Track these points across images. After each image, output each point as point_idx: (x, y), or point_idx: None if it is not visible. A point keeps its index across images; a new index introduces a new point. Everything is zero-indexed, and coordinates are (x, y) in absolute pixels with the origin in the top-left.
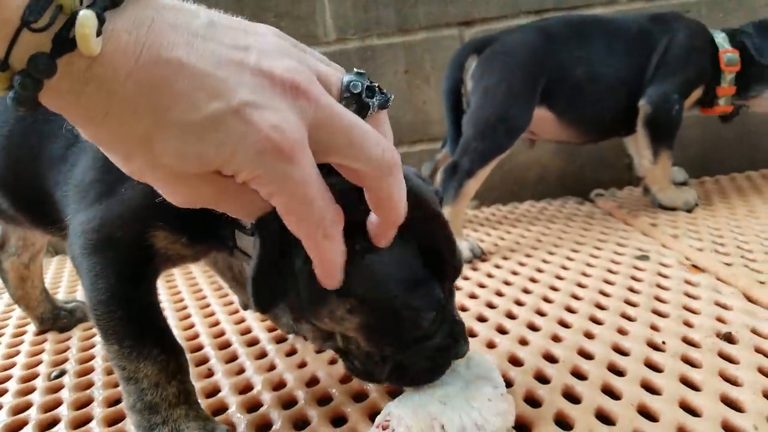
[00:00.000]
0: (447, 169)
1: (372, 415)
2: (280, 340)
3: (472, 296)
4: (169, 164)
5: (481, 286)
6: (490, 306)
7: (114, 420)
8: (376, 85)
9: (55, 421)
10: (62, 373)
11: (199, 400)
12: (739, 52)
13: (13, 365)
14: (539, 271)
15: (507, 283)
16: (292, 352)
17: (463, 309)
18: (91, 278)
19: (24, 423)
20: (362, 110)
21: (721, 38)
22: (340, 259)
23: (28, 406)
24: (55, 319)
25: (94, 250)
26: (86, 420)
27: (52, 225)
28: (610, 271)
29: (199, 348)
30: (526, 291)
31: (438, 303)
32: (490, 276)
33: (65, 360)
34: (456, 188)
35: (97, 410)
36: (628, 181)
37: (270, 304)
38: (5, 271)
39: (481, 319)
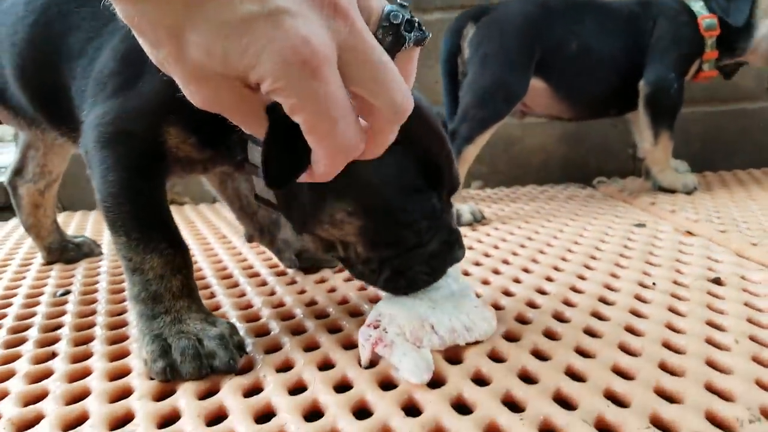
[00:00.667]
0: None
1: None
2: (280, 274)
3: (468, 248)
4: (194, 59)
5: (479, 241)
6: (487, 255)
7: (115, 326)
8: (417, 20)
9: (59, 326)
10: (66, 293)
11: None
12: (717, 17)
13: (18, 287)
14: (535, 233)
15: (503, 241)
16: (292, 282)
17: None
18: (103, 171)
19: (28, 326)
20: (398, 43)
21: (698, 6)
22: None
23: (32, 315)
24: (63, 251)
25: (108, 143)
26: (89, 325)
27: (68, 124)
28: (606, 234)
29: (203, 278)
30: (521, 246)
31: (433, 210)
32: (488, 235)
33: (70, 284)
34: (455, 155)
35: (100, 318)
36: (632, 171)
37: (285, 179)
38: (20, 196)
39: (467, 274)
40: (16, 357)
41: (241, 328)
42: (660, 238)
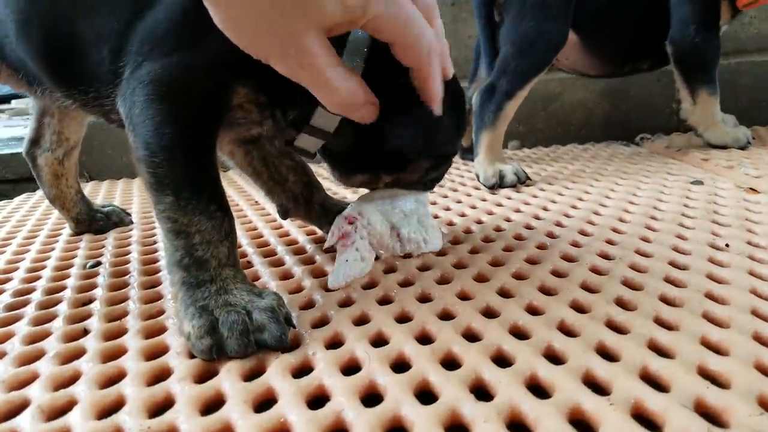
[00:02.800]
0: (484, 91)
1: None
2: (319, 241)
3: (508, 220)
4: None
5: (525, 204)
6: (528, 228)
7: (150, 300)
8: None
9: (90, 300)
10: (97, 264)
11: None
12: None
13: (46, 259)
14: (585, 192)
15: (553, 202)
16: (333, 250)
17: (499, 229)
18: (156, 124)
19: (57, 301)
20: None
21: None
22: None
23: (62, 288)
24: (91, 221)
25: (166, 97)
26: (122, 299)
27: (78, 85)
28: (662, 193)
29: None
30: (573, 207)
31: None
32: (534, 196)
33: (100, 255)
34: (495, 111)
35: (132, 292)
36: (675, 127)
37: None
38: (40, 167)
39: (519, 238)
40: (45, 335)
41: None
42: (722, 196)
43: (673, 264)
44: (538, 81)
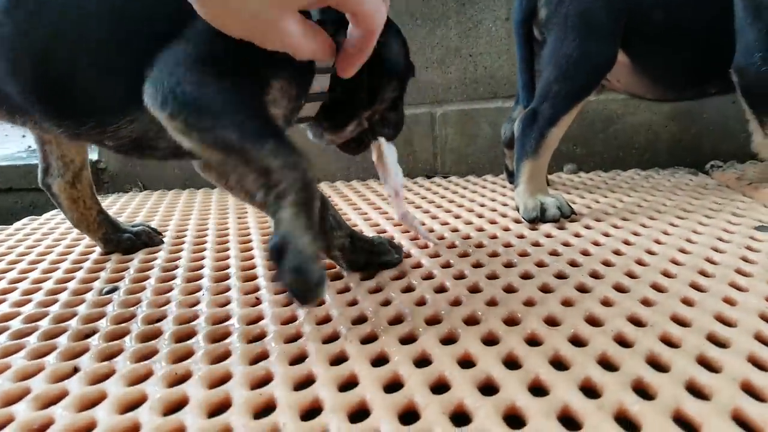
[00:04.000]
0: (525, 118)
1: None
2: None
3: (554, 253)
4: None
5: (566, 245)
6: (573, 264)
7: (148, 337)
8: None
9: (91, 333)
10: (113, 290)
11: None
12: None
13: (70, 280)
14: (635, 234)
15: (596, 244)
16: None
17: (541, 264)
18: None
19: (62, 331)
20: None
21: None
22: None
23: (71, 317)
24: (119, 242)
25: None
26: (123, 334)
27: (74, 118)
28: (720, 239)
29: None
30: (617, 253)
31: None
32: (577, 236)
33: (121, 279)
34: (537, 138)
35: (134, 326)
36: (751, 154)
37: None
38: (56, 195)
39: (561, 276)
40: (34, 372)
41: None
42: None
43: (711, 338)
44: (597, 101)
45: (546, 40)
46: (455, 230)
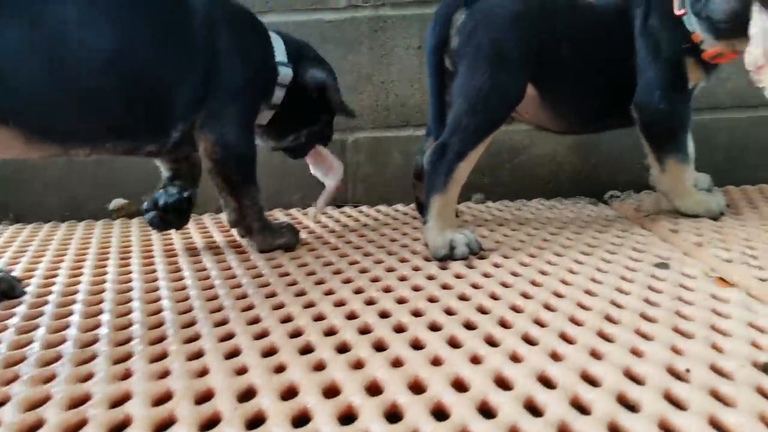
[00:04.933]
0: (435, 152)
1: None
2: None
3: (463, 298)
4: None
5: (475, 287)
6: (482, 311)
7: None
8: None
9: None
10: None
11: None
12: None
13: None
14: (543, 273)
15: (505, 285)
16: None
17: (450, 312)
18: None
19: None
20: None
21: None
22: None
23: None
24: None
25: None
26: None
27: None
28: (624, 279)
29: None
30: (525, 296)
31: None
32: (486, 276)
33: None
34: (446, 173)
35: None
36: (647, 184)
37: None
38: None
39: (469, 326)
40: None
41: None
42: (688, 287)
43: (620, 399)
44: (503, 132)
45: (457, 71)
46: (364, 271)
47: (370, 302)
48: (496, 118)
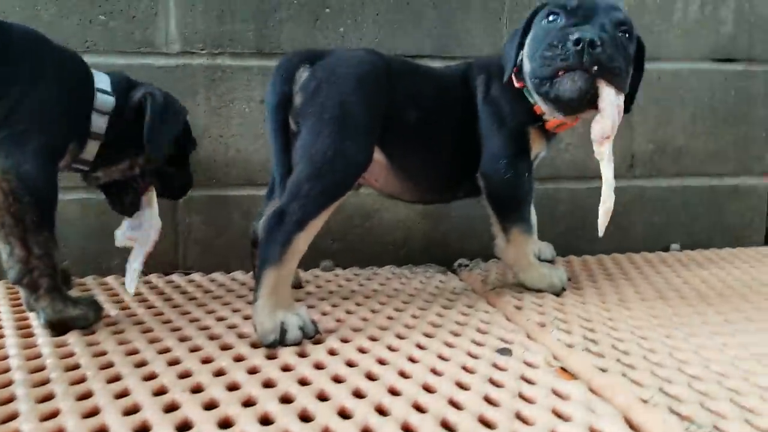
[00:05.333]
0: (271, 219)
1: None
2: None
3: (286, 399)
4: None
5: (303, 382)
6: (304, 419)
7: None
8: None
9: None
10: None
11: None
12: None
13: None
14: (380, 363)
15: (337, 380)
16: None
17: (266, 421)
18: None
19: None
20: None
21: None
22: None
23: None
24: None
25: None
26: None
27: None
28: (465, 369)
29: None
30: (357, 395)
31: None
32: (318, 367)
33: None
34: (283, 244)
35: None
36: (494, 253)
37: None
38: None
39: (305, 418)
40: None
41: None
42: (530, 380)
43: None
44: (355, 195)
45: (300, 131)
46: (174, 362)
47: (171, 408)
48: (340, 184)
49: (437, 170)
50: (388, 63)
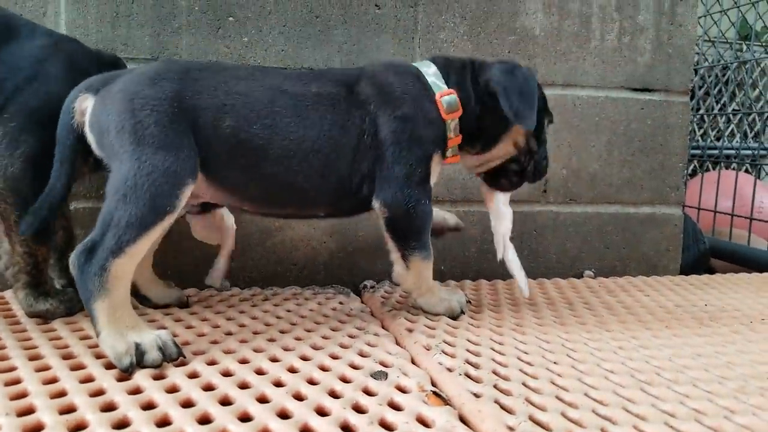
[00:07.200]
0: (80, 255)
1: None
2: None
3: (122, 425)
4: None
5: (149, 407)
6: None
7: None
8: None
9: None
10: None
11: None
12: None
13: None
14: (241, 387)
15: (188, 405)
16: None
17: None
18: None
19: None
20: None
21: (432, 75)
22: None
23: None
24: None
25: None
26: None
27: None
28: (332, 394)
29: None
30: (205, 420)
31: None
32: (173, 391)
33: None
34: (100, 274)
35: None
36: None
37: None
38: None
39: None
40: None
41: None
42: (397, 405)
43: None
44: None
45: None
46: (14, 382)
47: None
48: (158, 206)
49: (272, 187)
50: (186, 70)
